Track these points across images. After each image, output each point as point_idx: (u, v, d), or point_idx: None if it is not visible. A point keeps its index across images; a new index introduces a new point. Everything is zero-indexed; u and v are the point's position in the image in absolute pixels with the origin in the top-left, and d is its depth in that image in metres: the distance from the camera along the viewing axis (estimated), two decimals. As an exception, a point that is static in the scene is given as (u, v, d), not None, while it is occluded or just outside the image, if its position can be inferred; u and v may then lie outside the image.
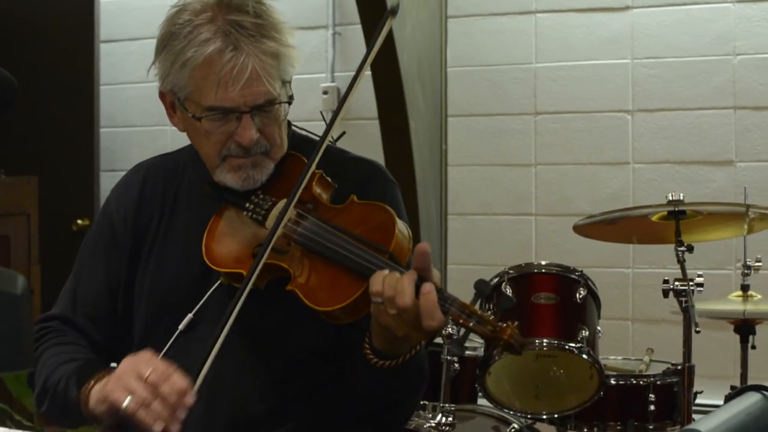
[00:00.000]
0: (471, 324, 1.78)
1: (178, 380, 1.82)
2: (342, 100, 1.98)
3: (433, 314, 1.79)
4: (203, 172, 2.13)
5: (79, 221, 5.46)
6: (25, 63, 5.42)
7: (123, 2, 5.85)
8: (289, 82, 2.06)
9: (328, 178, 2.04)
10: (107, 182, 5.69)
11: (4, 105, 3.20)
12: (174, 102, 2.08)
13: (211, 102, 1.99)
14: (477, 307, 1.81)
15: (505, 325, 1.78)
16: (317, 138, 2.24)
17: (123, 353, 2.16)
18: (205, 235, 2.05)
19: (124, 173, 2.30)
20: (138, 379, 1.84)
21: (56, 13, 5.66)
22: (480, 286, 1.81)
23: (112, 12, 5.83)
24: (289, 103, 2.06)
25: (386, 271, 1.82)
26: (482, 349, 3.18)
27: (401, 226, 1.93)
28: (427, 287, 1.79)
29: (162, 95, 2.11)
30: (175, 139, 5.60)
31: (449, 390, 3.06)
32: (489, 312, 1.84)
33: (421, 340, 1.93)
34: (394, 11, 1.95)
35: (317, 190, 2.02)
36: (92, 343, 2.16)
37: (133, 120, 5.85)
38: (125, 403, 1.83)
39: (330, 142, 2.34)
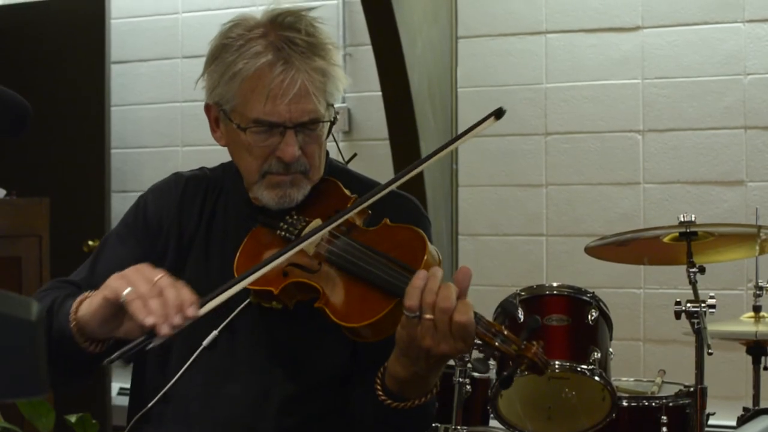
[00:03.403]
0: (496, 343, 1.79)
1: (185, 292, 1.78)
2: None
3: (468, 315, 1.79)
4: (241, 190, 2.13)
5: (91, 242, 5.45)
6: (37, 84, 5.44)
7: (134, 23, 5.89)
8: (333, 105, 2.07)
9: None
10: (118, 203, 5.70)
11: (17, 127, 3.22)
12: (218, 115, 2.09)
13: (257, 114, 2.00)
14: (502, 326, 1.82)
15: (529, 344, 1.79)
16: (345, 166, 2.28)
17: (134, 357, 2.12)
18: (237, 253, 2.04)
19: (135, 194, 2.29)
20: (145, 279, 1.80)
21: (67, 34, 5.68)
22: (507, 306, 1.82)
23: (123, 33, 5.86)
24: (333, 124, 2.08)
25: (421, 283, 1.81)
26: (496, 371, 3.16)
27: (432, 249, 1.94)
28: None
29: (207, 108, 2.12)
30: (186, 160, 5.61)
31: (461, 412, 3.05)
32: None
33: (441, 365, 1.92)
34: (500, 113, 1.92)
35: (353, 215, 2.02)
36: None
37: (144, 141, 5.87)
38: (124, 292, 1.78)
39: (341, 164, 2.35)
